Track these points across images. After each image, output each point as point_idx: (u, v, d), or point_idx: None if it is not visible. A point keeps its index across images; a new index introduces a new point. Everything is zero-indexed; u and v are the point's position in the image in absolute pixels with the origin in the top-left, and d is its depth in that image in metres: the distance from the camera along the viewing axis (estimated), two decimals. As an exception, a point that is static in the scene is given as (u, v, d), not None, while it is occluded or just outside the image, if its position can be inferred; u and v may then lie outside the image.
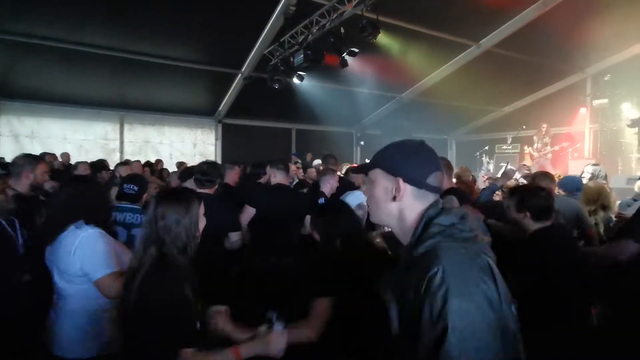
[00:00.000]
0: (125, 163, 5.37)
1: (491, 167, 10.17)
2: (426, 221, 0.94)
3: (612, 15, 6.95)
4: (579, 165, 8.41)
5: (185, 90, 8.85)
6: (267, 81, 7.63)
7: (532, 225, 2.05)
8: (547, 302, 1.85)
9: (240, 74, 8.35)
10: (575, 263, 2.04)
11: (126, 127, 8.91)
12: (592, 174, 4.39)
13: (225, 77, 8.52)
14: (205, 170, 2.66)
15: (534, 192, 2.13)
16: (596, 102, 9.27)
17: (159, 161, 7.90)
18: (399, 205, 0.99)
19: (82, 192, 1.88)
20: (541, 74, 9.58)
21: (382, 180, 1.02)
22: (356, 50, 6.36)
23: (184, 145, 9.51)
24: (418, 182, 0.98)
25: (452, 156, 13.07)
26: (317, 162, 7.43)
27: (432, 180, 0.98)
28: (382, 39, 6.80)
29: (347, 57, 6.46)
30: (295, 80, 7.59)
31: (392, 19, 6.82)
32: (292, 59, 6.78)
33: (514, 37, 7.81)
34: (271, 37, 7.14)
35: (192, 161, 8.86)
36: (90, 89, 7.95)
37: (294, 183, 5.84)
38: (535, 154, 9.39)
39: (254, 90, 8.36)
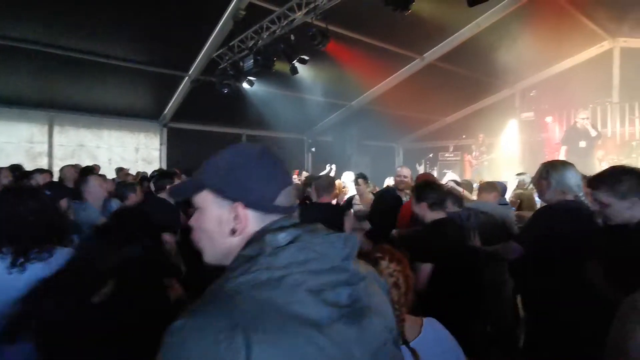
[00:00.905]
0: (43, 171, 4.69)
1: (435, 173, 10.76)
2: (236, 253, 0.72)
3: (536, 37, 7.73)
4: (509, 172, 9.20)
5: (127, 92, 8.32)
6: (216, 85, 7.44)
7: (429, 215, 2.38)
8: (439, 286, 2.13)
9: (187, 77, 8.04)
10: (466, 251, 2.37)
11: (56, 129, 8.13)
12: (520, 181, 4.84)
13: (172, 80, 8.15)
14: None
15: (430, 186, 2.49)
16: (523, 115, 10.23)
17: (96, 167, 7.31)
18: (242, 240, 0.74)
19: None
20: (478, 87, 10.36)
21: (213, 208, 0.76)
22: (306, 57, 6.42)
23: (124, 150, 8.90)
24: (265, 206, 0.75)
25: (399, 163, 13.63)
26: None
27: (283, 199, 0.77)
28: (332, 47, 6.96)
29: (297, 65, 6.49)
30: (245, 85, 7.49)
31: (342, 29, 7.01)
32: (241, 64, 6.68)
33: (453, 52, 8.39)
34: (220, 40, 6.98)
35: (135, 167, 8.37)
36: (14, 87, 7.18)
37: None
38: (474, 162, 10.11)
39: (202, 94, 8.09)
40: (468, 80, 9.70)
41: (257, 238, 0.71)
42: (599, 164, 8.10)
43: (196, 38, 7.04)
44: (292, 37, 6.06)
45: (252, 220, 0.75)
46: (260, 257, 0.66)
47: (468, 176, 9.78)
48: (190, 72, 7.92)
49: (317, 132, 11.98)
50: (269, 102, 9.07)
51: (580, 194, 2.24)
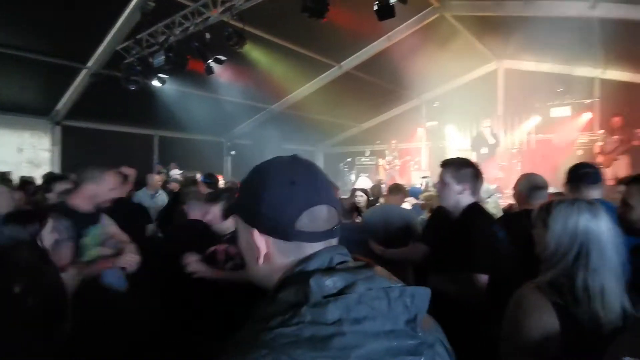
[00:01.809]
0: None
1: (352, 177, 11.31)
2: (272, 293, 0.63)
3: (438, 54, 8.59)
4: (417, 175, 10.08)
5: (8, 83, 7.09)
6: (122, 81, 6.76)
7: None
8: None
9: (86, 69, 7.16)
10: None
11: None
12: (425, 184, 5.31)
13: (66, 71, 7.17)
14: None
15: None
16: (429, 123, 11.31)
17: None
18: (269, 268, 0.67)
19: None
20: (390, 96, 11.14)
21: (242, 231, 0.70)
22: (223, 58, 6.20)
23: (2, 150, 7.56)
24: (284, 233, 0.65)
25: (320, 167, 13.97)
26: (175, 172, 6.92)
27: (308, 222, 0.65)
28: (251, 50, 6.84)
29: (213, 65, 6.23)
30: (156, 82, 6.93)
31: (261, 32, 6.94)
32: (151, 60, 6.18)
33: (368, 62, 8.91)
34: (126, 32, 6.37)
35: (18, 170, 7.13)
36: None
37: (157, 194, 5.30)
38: (387, 166, 10.84)
39: (104, 89, 7.26)
40: (382, 89, 10.38)
41: (298, 279, 0.60)
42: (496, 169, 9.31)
43: (97, 26, 6.31)
44: (208, 36, 5.80)
45: (276, 249, 0.66)
46: (304, 307, 0.56)
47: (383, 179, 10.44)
48: (89, 65, 7.07)
49: (236, 135, 11.66)
50: (184, 103, 8.55)
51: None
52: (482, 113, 10.24)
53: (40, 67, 6.82)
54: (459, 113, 10.49)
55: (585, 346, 1.09)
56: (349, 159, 11.79)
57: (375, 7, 4.72)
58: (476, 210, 1.96)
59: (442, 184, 2.00)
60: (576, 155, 8.54)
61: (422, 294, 0.62)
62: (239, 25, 5.62)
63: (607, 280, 1.15)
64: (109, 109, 8.27)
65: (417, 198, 4.41)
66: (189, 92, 8.49)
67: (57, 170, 7.89)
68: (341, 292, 0.58)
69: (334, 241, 0.68)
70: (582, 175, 2.33)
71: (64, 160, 8.33)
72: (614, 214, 1.88)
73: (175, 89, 8.09)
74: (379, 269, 0.65)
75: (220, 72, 7.05)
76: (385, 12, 4.70)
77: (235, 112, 9.94)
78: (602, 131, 8.47)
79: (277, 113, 10.77)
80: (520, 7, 6.92)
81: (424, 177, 5.56)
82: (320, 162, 14.37)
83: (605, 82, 9.23)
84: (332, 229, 0.67)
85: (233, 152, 11.54)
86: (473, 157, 9.04)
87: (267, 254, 0.66)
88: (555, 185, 3.52)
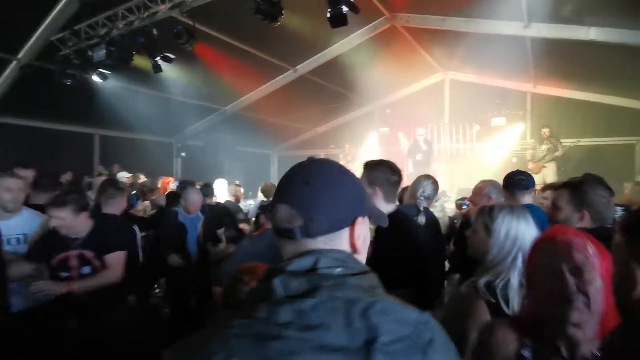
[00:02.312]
0: None
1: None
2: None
3: (389, 63, 8.93)
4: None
5: None
6: (56, 75, 6.23)
7: None
8: None
9: (16, 61, 6.49)
10: None
11: None
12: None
13: (-9, 62, 6.46)
14: None
15: None
16: (381, 129, 11.69)
17: None
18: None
19: None
20: (344, 101, 11.34)
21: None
22: (172, 56, 5.94)
23: None
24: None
25: (274, 171, 13.85)
26: (123, 174, 6.51)
27: (272, 218, 0.75)
28: (203, 49, 6.62)
29: (161, 62, 5.95)
30: (96, 78, 6.47)
31: (213, 31, 6.74)
32: (90, 53, 5.75)
33: (323, 67, 9.01)
34: (62, 22, 5.88)
35: None
36: None
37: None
38: (341, 170, 11.02)
39: (38, 83, 6.63)
40: (336, 94, 10.54)
41: (271, 276, 0.61)
42: (435, 174, 9.80)
43: (30, 15, 5.76)
44: (155, 32, 5.53)
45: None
46: (264, 303, 0.57)
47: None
48: (20, 56, 6.42)
49: (187, 136, 11.21)
50: (130, 101, 8.04)
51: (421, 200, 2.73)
52: (430, 120, 10.79)
53: (-42, 55, 6.09)
54: (408, 120, 10.96)
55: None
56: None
57: (328, 15, 4.79)
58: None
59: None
60: (511, 162, 9.30)
61: (398, 314, 0.57)
62: (189, 22, 5.42)
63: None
64: (42, 105, 7.55)
65: None
66: (135, 90, 8.03)
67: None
68: (304, 296, 0.56)
69: (320, 243, 0.66)
70: (516, 182, 2.58)
71: (-9, 160, 7.45)
72: (542, 215, 2.08)
73: (119, 86, 7.60)
74: (359, 279, 0.62)
75: (170, 71, 6.75)
76: (338, 20, 4.79)
77: (186, 112, 9.57)
78: (532, 140, 9.32)
79: (230, 115, 10.52)
80: (463, 23, 7.40)
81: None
82: (274, 165, 14.26)
83: (535, 96, 10.18)
84: (292, 229, 0.66)
85: (183, 154, 11.08)
86: (409, 164, 9.51)
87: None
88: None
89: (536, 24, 6.74)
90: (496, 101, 10.18)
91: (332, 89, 10.14)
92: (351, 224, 0.69)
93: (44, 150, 7.85)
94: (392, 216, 1.78)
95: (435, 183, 2.99)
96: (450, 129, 11.01)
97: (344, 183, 0.71)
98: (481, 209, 1.50)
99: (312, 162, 0.75)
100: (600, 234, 1.09)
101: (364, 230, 0.70)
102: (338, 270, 0.61)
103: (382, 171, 1.89)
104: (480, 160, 10.04)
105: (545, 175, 8.11)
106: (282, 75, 9.40)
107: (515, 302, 1.18)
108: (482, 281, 1.27)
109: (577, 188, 1.81)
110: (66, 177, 6.34)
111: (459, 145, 10.86)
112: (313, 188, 0.68)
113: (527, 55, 7.89)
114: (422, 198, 2.78)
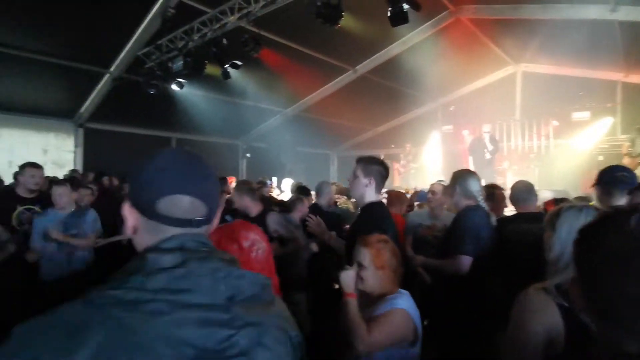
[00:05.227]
0: None
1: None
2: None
3: (454, 58, 8.55)
4: (433, 180, 9.90)
5: (34, 87, 7.39)
6: (142, 85, 6.99)
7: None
8: None
9: (108, 74, 7.41)
10: None
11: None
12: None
13: (90, 76, 7.43)
14: None
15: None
16: (444, 127, 11.21)
17: None
18: (136, 240, 0.74)
19: None
20: (405, 100, 11.09)
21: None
22: (239, 63, 6.33)
23: (28, 151, 7.86)
24: (144, 209, 0.71)
25: (334, 170, 14.00)
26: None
27: (169, 207, 0.70)
28: (267, 54, 6.96)
29: (229, 69, 6.37)
30: (175, 87, 7.13)
31: (276, 36, 7.04)
32: (170, 65, 6.37)
33: (383, 66, 8.91)
34: (147, 38, 6.57)
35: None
36: None
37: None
38: (402, 170, 10.77)
39: (126, 93, 7.50)
40: (396, 93, 10.35)
41: (142, 255, 0.68)
42: (505, 173, 9.16)
43: (120, 33, 6.53)
44: (225, 41, 5.94)
45: (140, 224, 0.73)
46: (136, 275, 0.63)
47: (397, 183, 10.38)
48: (112, 69, 7.32)
49: (252, 138, 11.81)
50: (201, 106, 8.73)
51: (480, 199, 2.49)
52: (499, 117, 10.09)
53: (65, 72, 7.11)
54: (475, 117, 10.37)
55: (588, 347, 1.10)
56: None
57: (389, 14, 4.75)
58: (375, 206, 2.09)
59: (353, 176, 2.13)
60: (597, 161, 8.32)
61: (251, 278, 0.72)
62: (255, 30, 5.74)
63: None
64: (130, 112, 8.53)
65: (421, 202, 4.42)
66: (206, 96, 8.67)
67: (80, 170, 8.18)
68: (175, 267, 0.65)
69: (196, 230, 0.73)
70: (617, 179, 2.15)
71: (86, 161, 8.62)
72: None
73: (193, 93, 8.28)
74: (221, 253, 0.73)
75: (237, 76, 7.19)
76: (399, 18, 4.73)
77: (251, 115, 10.08)
78: (626, 136, 8.23)
79: (292, 116, 10.87)
80: (539, 10, 6.83)
81: (439, 182, 5.48)
82: (334, 165, 14.42)
83: (627, 86, 8.99)
84: (192, 219, 0.72)
85: (248, 155, 11.69)
86: (470, 162, 8.93)
87: (134, 226, 0.73)
88: (576, 190, 3.49)
89: (624, 7, 5.99)
90: (578, 93, 9.16)
91: (392, 87, 9.98)
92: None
93: (130, 153, 8.84)
94: (375, 205, 2.07)
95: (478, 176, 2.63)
96: (522, 126, 10.19)
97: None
98: (554, 210, 1.41)
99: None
100: None
101: None
102: (204, 248, 0.72)
103: (376, 165, 2.11)
104: (559, 159, 9.14)
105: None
106: (341, 77, 9.48)
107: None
108: (553, 283, 1.20)
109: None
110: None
111: (533, 143, 9.99)
112: (212, 182, 0.78)
113: (616, 41, 7.03)
114: (480, 197, 2.44)
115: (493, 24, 7.91)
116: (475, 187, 2.47)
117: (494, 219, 2.62)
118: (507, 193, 2.96)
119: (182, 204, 0.71)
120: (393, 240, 1.79)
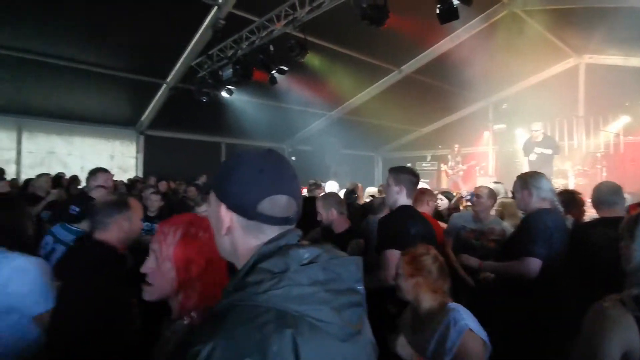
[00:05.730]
0: None
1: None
2: (252, 264, 0.71)
3: (507, 53, 8.06)
4: (484, 181, 9.45)
5: (102, 98, 8.14)
6: (195, 93, 7.40)
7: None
8: None
9: (165, 84, 7.95)
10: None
11: (25, 135, 7.87)
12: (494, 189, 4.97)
13: (149, 87, 8.04)
14: None
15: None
16: (496, 126, 10.61)
17: (74, 177, 6.88)
18: (230, 240, 0.77)
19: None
20: (453, 99, 10.68)
21: (214, 206, 0.78)
22: (285, 68, 6.48)
23: (99, 157, 8.65)
24: (245, 211, 0.74)
25: (378, 172, 13.82)
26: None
27: (269, 207, 0.74)
28: (311, 58, 7.05)
29: (276, 75, 6.54)
30: (224, 94, 7.47)
31: (320, 40, 7.12)
32: (220, 73, 6.68)
33: (429, 65, 8.66)
34: (199, 49, 6.97)
35: (109, 175, 8.12)
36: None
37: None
38: (450, 172, 10.34)
39: (180, 101, 8.01)
40: (444, 92, 9.99)
41: (277, 252, 0.71)
42: (566, 174, 8.44)
43: (175, 45, 6.99)
44: (271, 48, 6.12)
45: (238, 225, 0.76)
46: (288, 273, 0.67)
47: (444, 186, 10.01)
48: (168, 80, 7.84)
49: (297, 141, 12.02)
50: (248, 111, 9.07)
51: (555, 201, 2.33)
52: (559, 114, 9.37)
53: (128, 84, 7.74)
54: (531, 115, 9.71)
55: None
56: (409, 165, 11.47)
57: (437, 11, 4.60)
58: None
59: (387, 185, 2.33)
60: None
61: (362, 262, 0.78)
62: (301, 35, 5.85)
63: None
64: (183, 119, 9.07)
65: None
66: (253, 102, 8.98)
67: (140, 174, 8.84)
68: (311, 262, 0.70)
69: (291, 226, 0.78)
70: None
71: (146, 165, 9.29)
72: None
73: (240, 99, 8.62)
74: (329, 244, 0.78)
75: (283, 81, 7.37)
76: (449, 15, 4.57)
77: (295, 119, 10.27)
78: None
79: (336, 119, 10.91)
80: (603, -4, 6.27)
81: (496, 183, 5.20)
82: (379, 168, 14.23)
83: None
84: (289, 217, 0.77)
85: (294, 158, 11.89)
86: (525, 163, 8.22)
87: (230, 227, 0.76)
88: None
89: None
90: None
91: (439, 86, 9.65)
92: None
93: (184, 157, 9.42)
94: (402, 207, 2.23)
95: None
96: (586, 122, 9.37)
97: None
98: (631, 216, 1.28)
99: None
100: None
101: None
102: (305, 242, 0.77)
103: (406, 174, 2.30)
104: (628, 159, 8.28)
105: None
106: (386, 77, 9.36)
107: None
108: (632, 294, 1.09)
109: None
110: (202, 179, 7.46)
111: (600, 141, 9.14)
112: (298, 180, 0.81)
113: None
114: (555, 198, 2.29)
115: (550, 13, 7.36)
116: (549, 188, 2.34)
117: (569, 222, 2.46)
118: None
119: (281, 203, 0.75)
120: (420, 238, 1.86)
